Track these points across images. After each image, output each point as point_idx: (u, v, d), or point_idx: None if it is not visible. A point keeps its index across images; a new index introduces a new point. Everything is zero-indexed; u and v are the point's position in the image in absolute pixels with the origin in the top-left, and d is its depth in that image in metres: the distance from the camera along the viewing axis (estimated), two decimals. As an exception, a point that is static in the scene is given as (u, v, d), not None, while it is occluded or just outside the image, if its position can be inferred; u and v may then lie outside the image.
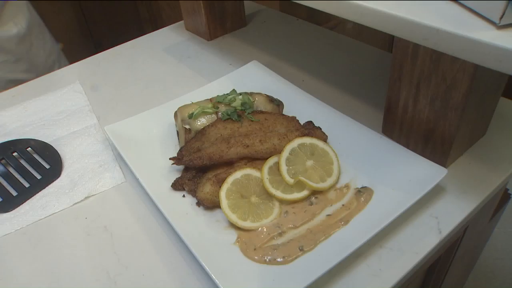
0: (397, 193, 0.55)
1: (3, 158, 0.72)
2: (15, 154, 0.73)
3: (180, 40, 1.03)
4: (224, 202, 0.55)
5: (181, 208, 0.58)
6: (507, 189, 0.95)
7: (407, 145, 0.63)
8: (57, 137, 0.76)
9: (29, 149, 0.74)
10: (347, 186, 0.58)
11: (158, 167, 0.65)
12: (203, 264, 0.47)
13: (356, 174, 0.60)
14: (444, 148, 0.60)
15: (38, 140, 0.76)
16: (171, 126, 0.72)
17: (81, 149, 0.73)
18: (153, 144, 0.69)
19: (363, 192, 0.57)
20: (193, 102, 0.68)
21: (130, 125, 0.72)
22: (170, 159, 0.63)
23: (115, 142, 0.67)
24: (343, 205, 0.56)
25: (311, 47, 0.94)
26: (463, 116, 0.56)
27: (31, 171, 0.70)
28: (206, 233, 0.54)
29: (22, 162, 0.72)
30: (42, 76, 0.95)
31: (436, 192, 0.58)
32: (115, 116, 0.79)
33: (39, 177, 0.68)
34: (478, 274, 1.51)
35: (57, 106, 0.84)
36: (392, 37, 0.54)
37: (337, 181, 0.59)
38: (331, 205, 0.56)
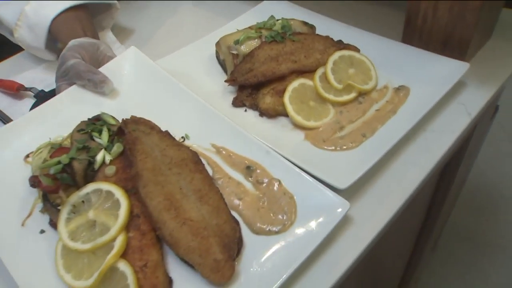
0: (429, 87, 0.65)
1: None
2: None
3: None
4: (289, 107, 0.63)
5: (248, 120, 0.65)
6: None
7: (427, 51, 0.73)
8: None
9: None
10: (386, 87, 0.68)
11: (212, 92, 0.71)
12: (285, 161, 0.55)
13: (390, 77, 0.69)
14: (461, 49, 0.70)
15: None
16: (211, 58, 0.78)
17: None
18: (200, 74, 0.75)
19: (401, 89, 0.66)
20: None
21: (172, 61, 0.76)
22: (225, 81, 0.69)
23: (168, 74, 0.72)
24: (387, 101, 0.65)
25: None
26: (480, 18, 0.65)
27: None
28: (278, 134, 0.62)
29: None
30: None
31: (459, 85, 0.68)
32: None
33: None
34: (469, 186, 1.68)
35: None
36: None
37: (377, 83, 0.68)
38: (377, 102, 0.65)
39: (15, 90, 0.81)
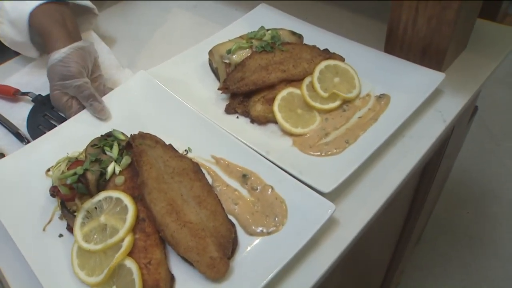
0: (408, 95, 0.70)
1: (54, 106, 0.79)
2: None
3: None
4: (278, 115, 0.67)
5: (239, 126, 0.70)
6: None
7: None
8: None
9: None
10: (368, 95, 0.73)
11: (206, 98, 0.75)
12: (276, 168, 0.60)
13: (372, 85, 0.74)
14: (438, 58, 0.75)
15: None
16: (204, 66, 0.82)
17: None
18: (194, 82, 0.79)
19: (383, 98, 0.71)
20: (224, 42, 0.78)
21: (167, 69, 0.80)
22: (218, 89, 0.74)
23: (161, 82, 0.76)
24: (369, 108, 0.70)
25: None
26: (455, 30, 0.70)
27: None
28: (268, 140, 0.67)
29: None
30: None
31: (436, 93, 0.73)
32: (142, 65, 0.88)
33: None
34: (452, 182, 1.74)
35: None
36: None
37: (360, 92, 0.73)
38: (359, 110, 0.70)
39: (12, 95, 0.84)
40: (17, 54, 0.92)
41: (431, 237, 1.69)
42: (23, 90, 0.85)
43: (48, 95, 0.81)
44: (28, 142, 0.75)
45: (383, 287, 1.42)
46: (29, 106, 0.82)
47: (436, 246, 1.68)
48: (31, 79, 0.89)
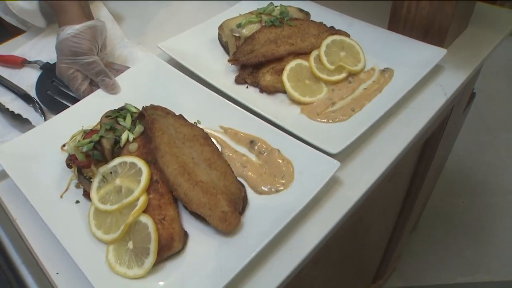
0: (411, 69, 0.73)
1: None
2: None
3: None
4: (287, 84, 0.70)
5: (249, 95, 0.73)
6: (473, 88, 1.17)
7: (410, 38, 0.81)
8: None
9: None
10: (373, 69, 0.75)
11: (217, 71, 0.78)
12: (282, 133, 0.63)
13: (377, 61, 0.77)
14: (440, 37, 0.78)
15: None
16: (213, 41, 0.85)
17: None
18: (205, 55, 0.82)
19: (386, 71, 0.74)
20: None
21: (177, 43, 0.83)
22: (228, 60, 0.76)
23: (173, 55, 0.78)
24: (373, 81, 0.73)
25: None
26: (456, 9, 0.73)
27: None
28: (277, 109, 0.69)
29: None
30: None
31: (438, 68, 0.76)
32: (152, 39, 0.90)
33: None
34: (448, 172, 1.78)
35: None
36: None
37: (365, 65, 0.75)
38: (364, 82, 0.73)
39: (19, 64, 0.86)
40: (21, 32, 0.94)
41: (428, 225, 1.72)
42: (30, 60, 0.87)
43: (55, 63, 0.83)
44: (35, 104, 0.77)
45: (380, 270, 1.45)
46: (37, 73, 0.84)
47: (432, 234, 1.72)
48: (38, 49, 0.91)
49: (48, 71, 0.83)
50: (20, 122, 0.74)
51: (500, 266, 1.60)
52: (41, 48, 0.91)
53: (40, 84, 0.81)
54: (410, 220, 1.27)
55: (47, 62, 0.85)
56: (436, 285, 1.58)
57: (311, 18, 0.84)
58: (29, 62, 0.86)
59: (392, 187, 0.96)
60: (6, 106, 0.77)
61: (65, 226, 0.58)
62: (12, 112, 0.76)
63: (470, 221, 1.74)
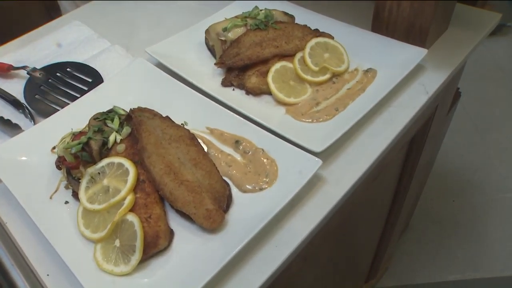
0: (394, 69, 0.75)
1: (50, 78, 0.83)
2: (58, 74, 0.85)
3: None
4: (272, 85, 0.72)
5: (235, 97, 0.74)
6: (458, 88, 1.20)
7: (393, 39, 0.83)
8: (82, 60, 0.89)
9: (68, 69, 0.86)
10: (356, 70, 0.77)
11: (203, 73, 0.79)
12: (266, 133, 0.65)
13: (360, 61, 0.79)
14: (421, 37, 0.80)
15: (73, 61, 0.88)
16: (200, 45, 0.86)
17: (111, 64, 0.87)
18: (192, 58, 0.83)
19: (370, 71, 0.76)
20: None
21: (164, 47, 0.84)
22: (215, 64, 0.78)
23: (160, 59, 0.80)
24: (357, 81, 0.75)
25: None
26: (436, 10, 0.75)
27: (77, 85, 0.83)
28: (262, 110, 0.71)
29: (67, 79, 0.84)
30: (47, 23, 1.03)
31: (419, 68, 0.78)
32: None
33: (86, 88, 0.81)
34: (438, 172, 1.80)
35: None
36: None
37: (348, 66, 0.77)
38: (348, 82, 0.75)
39: (5, 71, 0.87)
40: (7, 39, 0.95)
41: (419, 225, 1.74)
42: (16, 66, 0.88)
43: (43, 68, 0.85)
44: (25, 109, 0.78)
45: (372, 270, 1.46)
46: (24, 79, 0.85)
47: (423, 234, 1.73)
48: (24, 55, 0.92)
49: (35, 76, 0.84)
50: (10, 128, 0.75)
51: (489, 263, 1.62)
52: (27, 54, 0.93)
53: (28, 89, 0.82)
54: (400, 219, 1.29)
55: (34, 67, 0.86)
56: (428, 283, 1.60)
57: (296, 21, 0.86)
58: (16, 68, 0.87)
59: (380, 186, 0.98)
60: (-4, 113, 0.78)
61: (55, 226, 0.59)
62: (2, 117, 0.77)
63: (461, 220, 1.76)
